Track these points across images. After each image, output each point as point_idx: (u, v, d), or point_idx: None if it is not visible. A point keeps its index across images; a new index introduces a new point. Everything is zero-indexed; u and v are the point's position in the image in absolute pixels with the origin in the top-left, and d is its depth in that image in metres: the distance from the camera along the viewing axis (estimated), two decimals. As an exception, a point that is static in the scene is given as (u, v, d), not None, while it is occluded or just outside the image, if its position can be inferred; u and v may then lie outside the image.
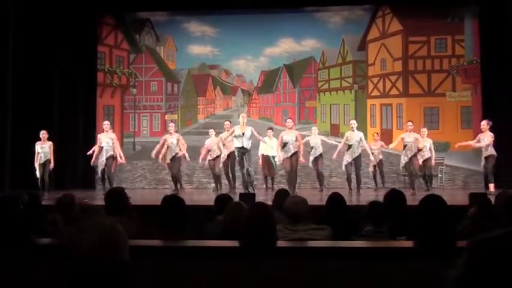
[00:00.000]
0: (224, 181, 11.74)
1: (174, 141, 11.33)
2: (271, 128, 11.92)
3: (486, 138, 10.52)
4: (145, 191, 11.94)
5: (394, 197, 4.80)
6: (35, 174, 11.06)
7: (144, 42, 14.55)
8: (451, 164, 12.82)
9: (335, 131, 13.39)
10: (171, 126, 11.67)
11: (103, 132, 11.22)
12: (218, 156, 11.53)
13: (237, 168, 11.02)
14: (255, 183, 10.98)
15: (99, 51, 13.96)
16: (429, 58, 13.56)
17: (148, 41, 14.58)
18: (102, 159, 11.04)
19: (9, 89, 11.59)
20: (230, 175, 11.42)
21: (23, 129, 11.75)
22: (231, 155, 11.21)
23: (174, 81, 14.67)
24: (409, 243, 3.15)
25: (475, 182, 11.24)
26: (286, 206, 4.00)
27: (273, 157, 11.64)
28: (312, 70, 14.35)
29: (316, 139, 11.45)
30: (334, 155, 11.29)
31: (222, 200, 5.11)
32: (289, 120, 11.03)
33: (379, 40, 13.92)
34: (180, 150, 11.40)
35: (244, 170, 10.70)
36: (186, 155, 11.58)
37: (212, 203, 5.27)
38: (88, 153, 11.38)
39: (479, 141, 10.64)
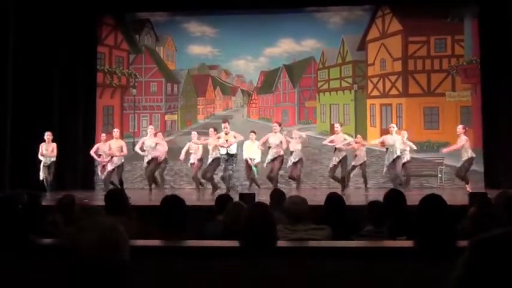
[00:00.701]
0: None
1: (152, 144, 11.36)
2: (253, 131, 11.84)
3: (460, 142, 10.73)
4: (145, 191, 11.92)
5: (394, 197, 4.80)
6: (39, 175, 11.06)
7: (143, 42, 14.56)
8: (451, 164, 12.81)
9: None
10: (151, 129, 11.67)
11: (112, 139, 11.46)
12: (200, 160, 11.66)
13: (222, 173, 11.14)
14: (239, 188, 11.00)
15: (99, 52, 13.97)
16: (429, 58, 13.57)
17: (148, 41, 14.58)
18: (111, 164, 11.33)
19: (9, 89, 11.59)
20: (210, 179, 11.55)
21: (23, 129, 11.75)
22: (215, 160, 11.28)
23: (173, 82, 14.67)
24: (409, 243, 3.15)
25: (474, 182, 11.24)
26: (286, 206, 4.00)
27: (253, 160, 11.58)
28: (312, 70, 14.36)
29: (297, 146, 11.44)
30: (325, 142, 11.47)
31: (223, 199, 5.11)
32: (275, 124, 11.15)
33: (378, 40, 13.93)
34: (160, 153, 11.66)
35: (227, 175, 10.85)
36: (162, 157, 11.80)
37: (212, 203, 5.28)
38: (101, 161, 11.53)
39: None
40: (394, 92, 13.73)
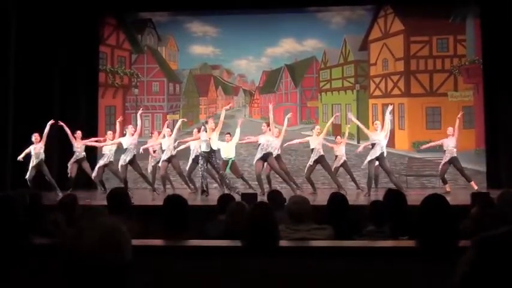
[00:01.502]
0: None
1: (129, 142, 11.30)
2: (228, 133, 11.63)
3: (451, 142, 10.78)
4: (147, 191, 11.92)
5: (394, 196, 4.81)
6: (41, 175, 11.06)
7: (145, 42, 14.57)
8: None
9: (337, 131, 13.36)
10: (129, 128, 11.55)
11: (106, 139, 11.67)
12: (173, 156, 11.54)
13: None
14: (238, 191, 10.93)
15: (101, 52, 13.97)
16: (431, 58, 13.55)
17: (150, 41, 14.59)
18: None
19: (11, 89, 11.59)
20: (187, 178, 11.53)
21: (25, 129, 11.75)
22: (194, 159, 11.28)
23: (175, 82, 14.68)
24: (411, 243, 3.14)
25: (477, 182, 11.22)
26: (288, 206, 4.00)
27: (231, 160, 11.47)
28: (314, 70, 14.35)
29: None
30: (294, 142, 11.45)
31: (224, 199, 5.12)
32: (264, 124, 11.06)
33: (381, 40, 13.91)
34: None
35: (223, 175, 10.78)
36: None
37: (213, 203, 5.29)
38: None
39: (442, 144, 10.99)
40: (396, 92, 13.71)
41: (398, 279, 2.66)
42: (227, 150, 11.34)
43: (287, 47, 14.16)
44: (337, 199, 5.06)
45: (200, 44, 14.42)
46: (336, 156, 11.52)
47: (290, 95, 14.61)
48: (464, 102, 13.18)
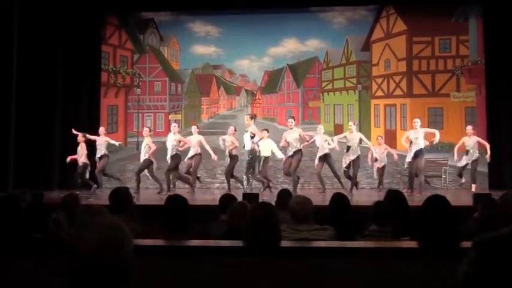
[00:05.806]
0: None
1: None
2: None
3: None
4: (149, 190, 11.92)
5: (394, 197, 4.81)
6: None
7: (148, 42, 14.57)
8: (455, 165, 12.77)
9: (339, 131, 13.33)
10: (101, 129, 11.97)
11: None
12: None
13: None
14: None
15: (103, 51, 13.97)
16: (433, 58, 13.53)
17: (152, 41, 14.60)
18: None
19: (13, 88, 11.60)
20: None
21: (27, 128, 11.77)
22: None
23: (177, 81, 14.68)
24: (413, 244, 3.14)
25: (479, 183, 11.20)
26: (290, 206, 3.99)
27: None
28: (316, 70, 14.35)
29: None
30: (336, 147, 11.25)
31: (226, 199, 5.11)
32: (290, 120, 11.06)
33: (383, 40, 13.90)
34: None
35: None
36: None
37: (215, 202, 5.28)
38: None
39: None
40: (398, 92, 13.71)
41: (400, 279, 2.65)
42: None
43: (289, 47, 14.16)
44: (339, 199, 5.05)
45: (202, 44, 14.42)
46: (376, 159, 11.50)
47: (292, 95, 14.61)
48: (467, 102, 13.17)
